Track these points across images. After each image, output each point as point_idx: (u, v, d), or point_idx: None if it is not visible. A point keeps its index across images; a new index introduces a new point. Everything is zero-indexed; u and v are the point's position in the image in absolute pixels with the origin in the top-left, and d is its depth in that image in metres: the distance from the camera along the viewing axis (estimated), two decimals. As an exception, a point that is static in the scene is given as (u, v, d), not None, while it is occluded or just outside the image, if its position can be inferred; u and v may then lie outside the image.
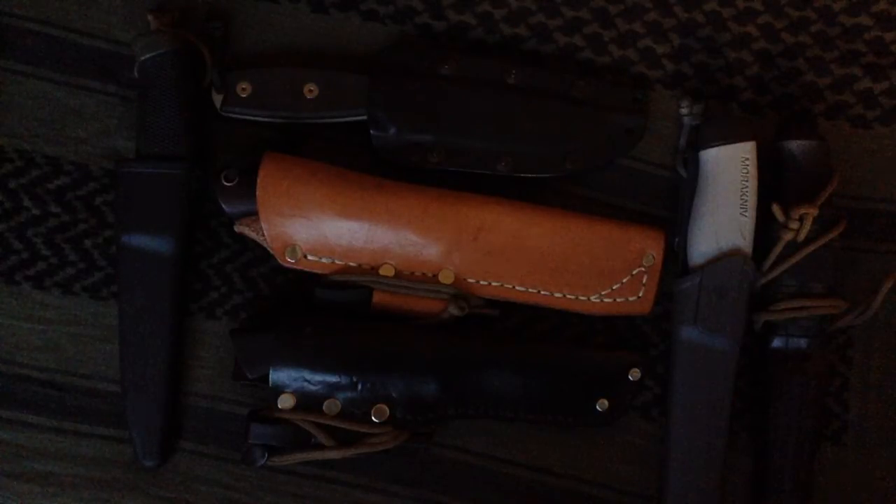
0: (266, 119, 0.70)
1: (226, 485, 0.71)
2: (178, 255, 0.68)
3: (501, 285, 0.70)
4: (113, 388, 0.70)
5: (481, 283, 0.70)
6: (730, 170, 0.69)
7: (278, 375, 0.66)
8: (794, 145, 0.71)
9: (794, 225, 0.68)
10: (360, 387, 0.66)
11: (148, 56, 0.67)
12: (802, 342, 0.70)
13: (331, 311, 0.69)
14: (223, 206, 0.68)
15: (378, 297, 0.68)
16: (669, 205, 0.73)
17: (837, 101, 0.74)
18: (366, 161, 0.70)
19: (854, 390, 0.74)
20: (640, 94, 0.73)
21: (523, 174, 0.71)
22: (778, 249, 0.69)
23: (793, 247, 0.69)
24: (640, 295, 0.71)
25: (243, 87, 0.69)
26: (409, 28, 0.73)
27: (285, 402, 0.66)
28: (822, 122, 0.74)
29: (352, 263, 0.69)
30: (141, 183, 0.68)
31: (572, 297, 0.71)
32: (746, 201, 0.69)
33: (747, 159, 0.69)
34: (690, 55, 0.74)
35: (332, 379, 0.66)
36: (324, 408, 0.66)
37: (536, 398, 0.70)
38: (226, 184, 0.68)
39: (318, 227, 0.67)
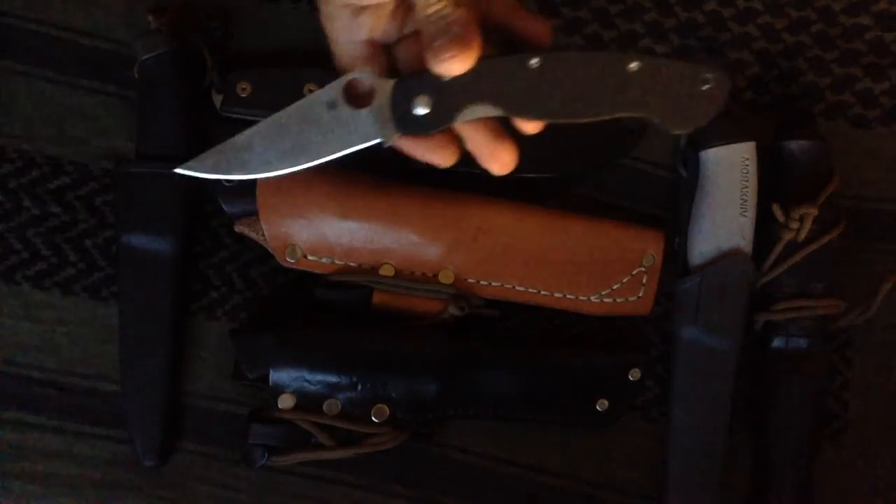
0: (266, 119, 0.70)
1: (226, 485, 0.71)
2: (178, 255, 0.69)
3: (501, 285, 0.70)
4: (113, 388, 0.70)
5: (481, 283, 0.70)
6: (730, 170, 0.69)
7: (278, 375, 0.66)
8: (794, 145, 0.71)
9: (794, 225, 0.68)
10: (360, 387, 0.66)
11: (148, 56, 0.68)
12: (802, 342, 0.70)
13: (331, 311, 0.69)
14: (223, 206, 0.68)
15: (378, 297, 0.68)
16: (669, 205, 0.73)
17: (837, 101, 0.74)
18: (365, 161, 0.70)
19: (854, 390, 0.74)
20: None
21: (523, 174, 0.71)
22: (778, 249, 0.69)
23: (793, 247, 0.69)
24: (640, 295, 0.71)
25: (243, 87, 0.69)
26: (409, 28, 0.73)
27: (285, 402, 0.66)
28: (822, 122, 0.74)
29: (352, 263, 0.69)
30: (141, 183, 0.68)
31: (572, 297, 0.71)
32: (746, 201, 0.69)
33: (747, 159, 0.69)
34: (690, 55, 0.74)
35: (332, 379, 0.66)
36: (324, 408, 0.66)
37: (536, 398, 0.70)
38: (226, 184, 0.68)
39: (318, 227, 0.67)
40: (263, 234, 0.68)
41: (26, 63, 0.71)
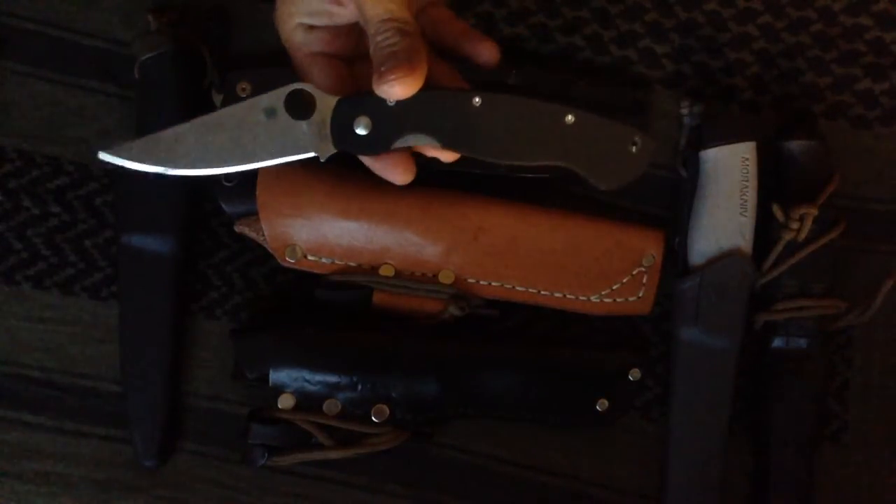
0: (266, 119, 0.70)
1: (226, 485, 0.71)
2: (178, 255, 0.69)
3: (501, 285, 0.70)
4: (113, 388, 0.70)
5: (481, 283, 0.70)
6: (730, 170, 0.69)
7: (278, 375, 0.66)
8: (794, 145, 0.71)
9: (795, 225, 0.69)
10: (360, 387, 0.66)
11: (148, 56, 0.68)
12: (802, 342, 0.70)
13: (331, 311, 0.69)
14: (223, 206, 0.68)
15: (378, 297, 0.68)
16: (669, 205, 0.73)
17: (837, 101, 0.74)
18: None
19: (854, 390, 0.74)
20: (640, 94, 0.73)
21: (523, 174, 0.71)
22: (778, 249, 0.69)
23: (793, 247, 0.69)
24: (640, 295, 0.71)
25: (243, 87, 0.69)
26: (409, 28, 0.73)
27: (285, 402, 0.66)
28: (822, 122, 0.74)
29: (352, 263, 0.69)
30: (141, 183, 0.67)
31: (572, 297, 0.71)
32: (746, 201, 0.69)
33: (747, 159, 0.69)
34: (690, 55, 0.74)
35: (332, 379, 0.66)
36: (324, 408, 0.66)
37: (536, 398, 0.70)
38: (226, 184, 0.68)
39: (318, 227, 0.67)
40: (263, 234, 0.68)
41: (26, 63, 0.71)
